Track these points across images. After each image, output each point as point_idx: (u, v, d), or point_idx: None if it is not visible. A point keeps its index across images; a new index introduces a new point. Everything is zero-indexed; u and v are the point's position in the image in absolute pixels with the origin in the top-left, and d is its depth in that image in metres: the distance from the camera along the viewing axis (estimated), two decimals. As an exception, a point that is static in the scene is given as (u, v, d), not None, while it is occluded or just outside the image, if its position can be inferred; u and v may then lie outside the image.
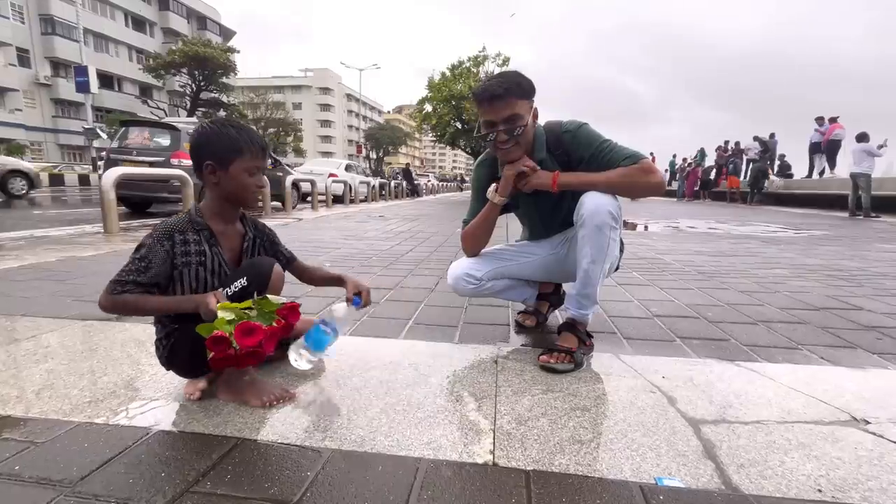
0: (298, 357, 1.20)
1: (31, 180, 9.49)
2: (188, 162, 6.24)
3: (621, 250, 1.53)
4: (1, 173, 9.16)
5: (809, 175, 12.59)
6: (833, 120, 11.37)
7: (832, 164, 11.86)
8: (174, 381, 1.18)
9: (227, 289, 1.06)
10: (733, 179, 14.13)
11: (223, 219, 1.14)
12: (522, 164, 1.34)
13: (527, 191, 1.38)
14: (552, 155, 1.40)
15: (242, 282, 1.07)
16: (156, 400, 1.10)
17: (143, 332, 1.55)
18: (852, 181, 8.47)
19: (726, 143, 16.01)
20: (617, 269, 1.54)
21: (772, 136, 14.11)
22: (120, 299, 0.99)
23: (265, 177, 1.17)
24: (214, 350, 0.94)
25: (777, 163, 14.14)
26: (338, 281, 1.34)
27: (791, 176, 13.65)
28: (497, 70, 17.23)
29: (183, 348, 1.06)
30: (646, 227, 6.03)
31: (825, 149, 11.67)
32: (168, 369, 1.14)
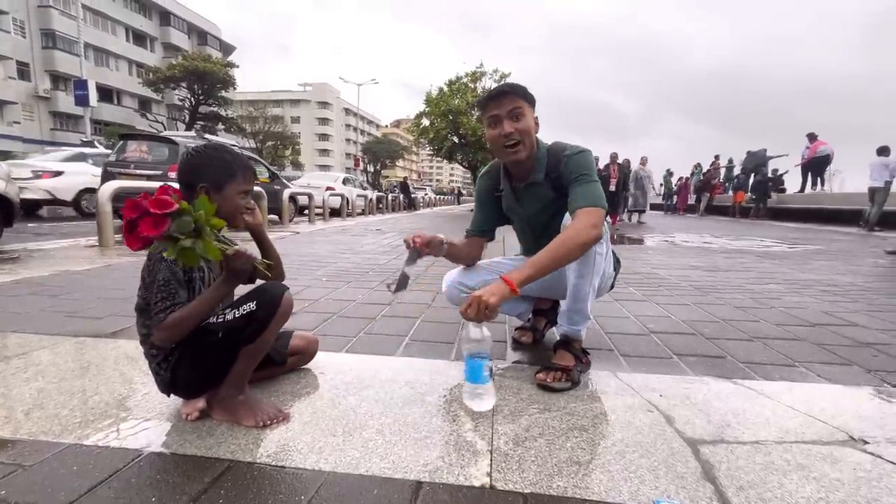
0: (473, 399, 1.17)
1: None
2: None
3: (617, 269, 1.54)
4: None
5: (802, 190, 12.74)
6: (814, 137, 11.50)
7: (822, 180, 11.99)
8: (167, 401, 1.16)
9: (235, 310, 1.04)
10: (740, 194, 14.27)
11: None
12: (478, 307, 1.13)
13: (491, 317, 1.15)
14: (549, 178, 1.41)
15: (251, 306, 1.05)
16: (148, 420, 1.08)
17: (135, 348, 1.52)
18: (871, 195, 8.46)
19: (717, 157, 16.23)
20: (612, 287, 1.55)
21: (764, 151, 14.31)
22: (169, 321, 0.98)
23: (262, 191, 1.18)
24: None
25: (770, 177, 14.33)
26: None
27: (784, 191, 13.81)
28: (494, 86, 17.51)
29: (184, 368, 1.05)
30: (642, 241, 6.06)
31: (812, 165, 11.79)
32: (169, 394, 1.11)
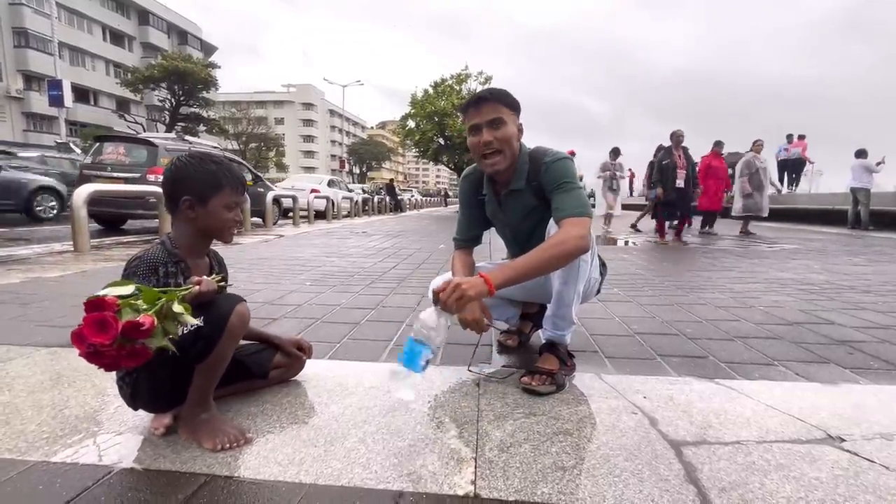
0: (395, 381, 1.08)
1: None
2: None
3: (603, 274, 1.54)
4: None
5: (779, 191, 13.11)
6: (801, 137, 11.87)
7: (797, 181, 12.37)
8: (140, 413, 1.12)
9: (183, 327, 0.96)
10: None
11: (195, 253, 1.12)
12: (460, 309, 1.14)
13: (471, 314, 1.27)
14: (530, 185, 1.39)
15: (198, 322, 0.96)
16: (120, 434, 1.04)
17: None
18: (852, 195, 8.75)
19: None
20: (598, 291, 1.55)
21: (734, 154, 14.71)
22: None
23: (248, 204, 1.12)
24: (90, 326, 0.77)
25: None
26: (267, 342, 1.31)
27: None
28: (479, 88, 17.58)
29: (143, 384, 1.01)
30: (626, 242, 6.14)
31: (788, 166, 12.15)
32: (136, 409, 1.07)
